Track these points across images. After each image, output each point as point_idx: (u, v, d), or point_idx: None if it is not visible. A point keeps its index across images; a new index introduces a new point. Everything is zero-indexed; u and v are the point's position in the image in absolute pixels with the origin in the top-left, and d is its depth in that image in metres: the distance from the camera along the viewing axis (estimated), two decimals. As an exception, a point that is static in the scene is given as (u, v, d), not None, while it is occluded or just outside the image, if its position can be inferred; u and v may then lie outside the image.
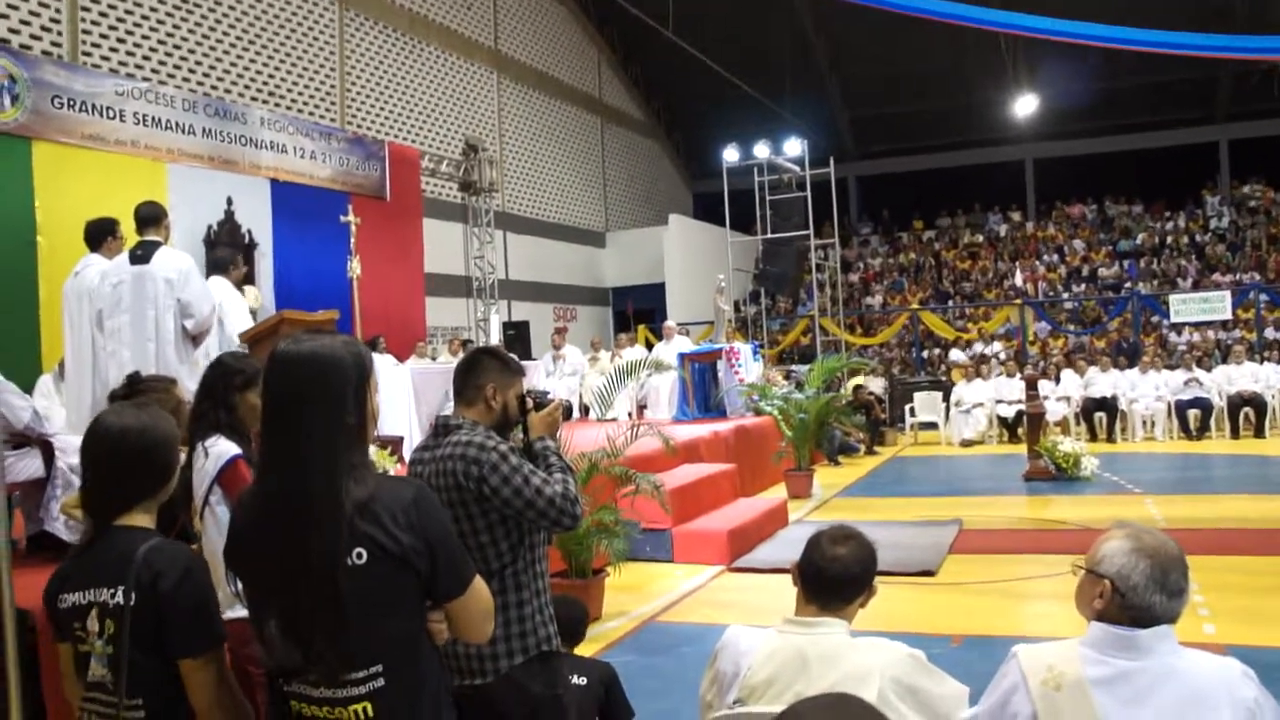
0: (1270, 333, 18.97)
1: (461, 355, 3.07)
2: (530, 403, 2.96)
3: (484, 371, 2.92)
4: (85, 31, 11.76)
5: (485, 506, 2.72)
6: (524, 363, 12.37)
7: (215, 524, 3.30)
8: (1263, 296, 19.24)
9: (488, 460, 2.71)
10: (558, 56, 22.68)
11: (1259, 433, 14.94)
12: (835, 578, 2.51)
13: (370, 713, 1.94)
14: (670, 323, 16.35)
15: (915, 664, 2.39)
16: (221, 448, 3.30)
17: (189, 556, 2.29)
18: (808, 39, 24.56)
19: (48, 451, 5.06)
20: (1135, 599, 2.09)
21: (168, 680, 2.19)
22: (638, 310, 22.17)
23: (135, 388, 3.78)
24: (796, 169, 20.30)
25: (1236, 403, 15.13)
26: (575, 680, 3.35)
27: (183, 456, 2.74)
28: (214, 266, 6.68)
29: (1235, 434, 15.02)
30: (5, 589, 3.28)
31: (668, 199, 27.42)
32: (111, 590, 2.17)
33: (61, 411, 6.54)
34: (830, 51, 25.31)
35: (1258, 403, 15.05)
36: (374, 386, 2.11)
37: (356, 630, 1.92)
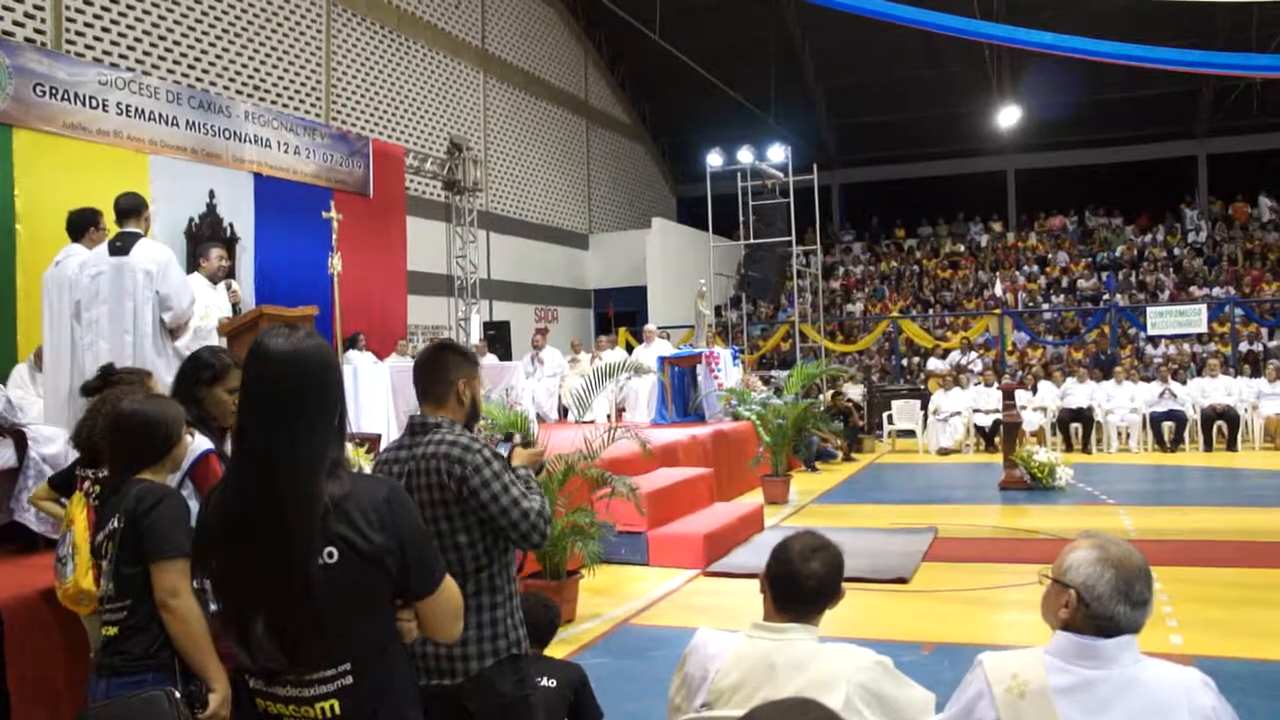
0: (1244, 347, 19.13)
1: (417, 357, 3.10)
2: (518, 437, 3.15)
3: (453, 368, 2.93)
4: (69, 20, 11.68)
5: (464, 507, 2.72)
6: (504, 363, 12.41)
7: (186, 517, 3.30)
8: (1238, 311, 19.41)
9: (472, 461, 2.73)
10: (545, 58, 22.67)
11: (1231, 446, 15.08)
12: (811, 592, 2.52)
13: (337, 710, 1.93)
14: (651, 326, 16.37)
15: (882, 670, 2.40)
16: (194, 442, 3.30)
17: (164, 491, 2.92)
18: (794, 46, 24.65)
19: (20, 442, 5.02)
20: (1099, 609, 2.11)
21: (146, 586, 2.76)
22: (619, 313, 22.17)
23: (108, 380, 3.77)
24: (780, 175, 20.34)
25: (1210, 416, 15.26)
26: (544, 683, 3.36)
27: (190, 438, 3.20)
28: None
29: (1208, 446, 15.15)
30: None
31: (651, 202, 27.44)
32: (114, 519, 2.85)
33: (37, 402, 6.51)
34: (816, 59, 25.39)
35: (1230, 416, 15.18)
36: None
37: (330, 629, 1.91)
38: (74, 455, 3.99)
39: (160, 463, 3.01)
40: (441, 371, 2.92)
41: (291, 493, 1.93)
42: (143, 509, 2.79)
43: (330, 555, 1.91)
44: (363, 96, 16.58)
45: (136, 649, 2.75)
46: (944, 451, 16.04)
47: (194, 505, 3.29)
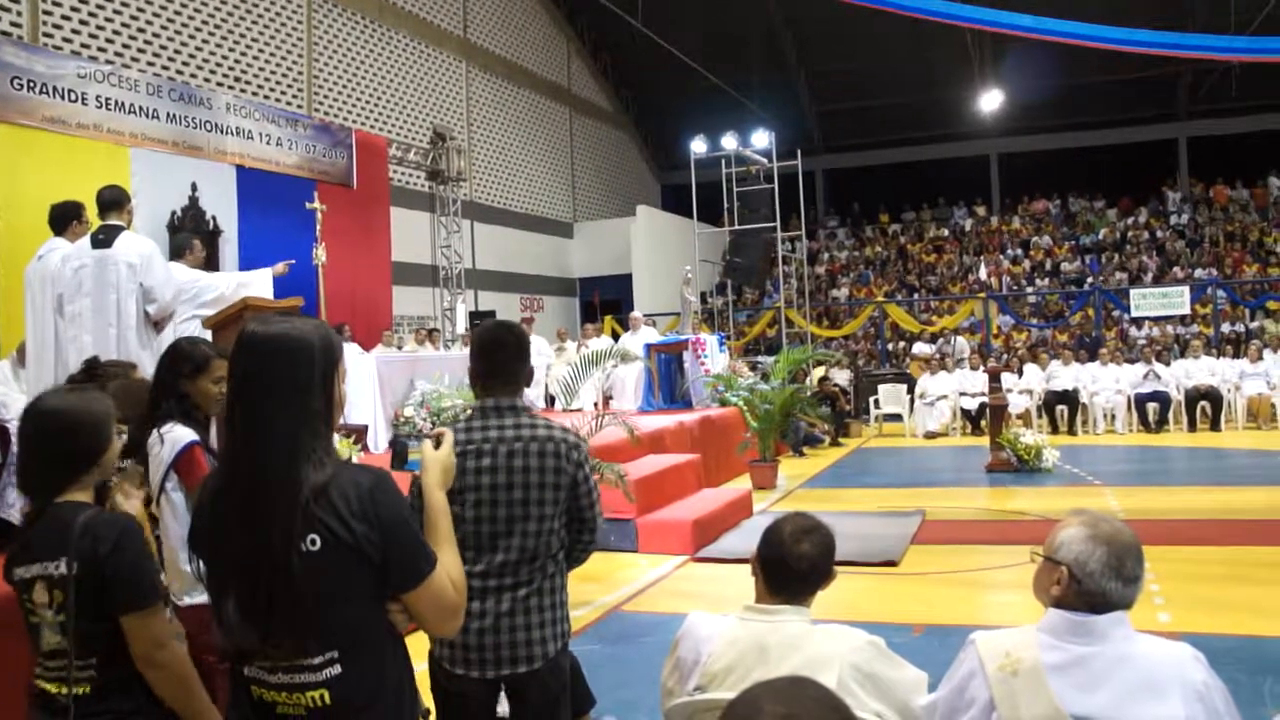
0: (1226, 327, 19.25)
1: (482, 337, 2.94)
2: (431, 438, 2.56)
3: (527, 350, 2.95)
4: (46, 12, 11.57)
5: (571, 493, 2.82)
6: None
7: (171, 510, 3.28)
8: (1220, 292, 19.52)
9: (585, 450, 2.85)
10: (527, 46, 22.59)
11: (1214, 426, 15.17)
12: (803, 573, 2.53)
13: (328, 699, 1.92)
14: (637, 313, 16.36)
15: (874, 651, 2.41)
16: (177, 434, 3.28)
17: (124, 522, 2.41)
18: (776, 32, 24.62)
19: (4, 438, 4.99)
20: (1091, 585, 2.12)
21: (115, 641, 2.32)
22: (604, 301, 22.16)
23: (93, 372, 3.74)
24: (764, 161, 20.33)
25: (1193, 396, 15.35)
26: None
27: (122, 437, 2.63)
28: (173, 253, 6.65)
29: (1192, 427, 15.24)
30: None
31: (635, 190, 27.41)
32: (55, 562, 2.30)
33: (21, 398, 6.46)
34: (798, 44, 25.38)
35: (1214, 396, 15.27)
36: (342, 374, 2.09)
37: (311, 616, 1.90)
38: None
39: (89, 473, 2.46)
40: (520, 356, 2.91)
41: (271, 477, 1.92)
42: (103, 551, 2.29)
43: (313, 543, 1.89)
44: (345, 87, 16.50)
45: (122, 709, 2.37)
46: (930, 435, 16.09)
47: (178, 498, 3.28)
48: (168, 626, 2.39)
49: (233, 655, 2.01)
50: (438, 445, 2.33)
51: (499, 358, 2.88)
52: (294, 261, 7.87)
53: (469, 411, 2.93)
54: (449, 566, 2.07)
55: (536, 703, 2.78)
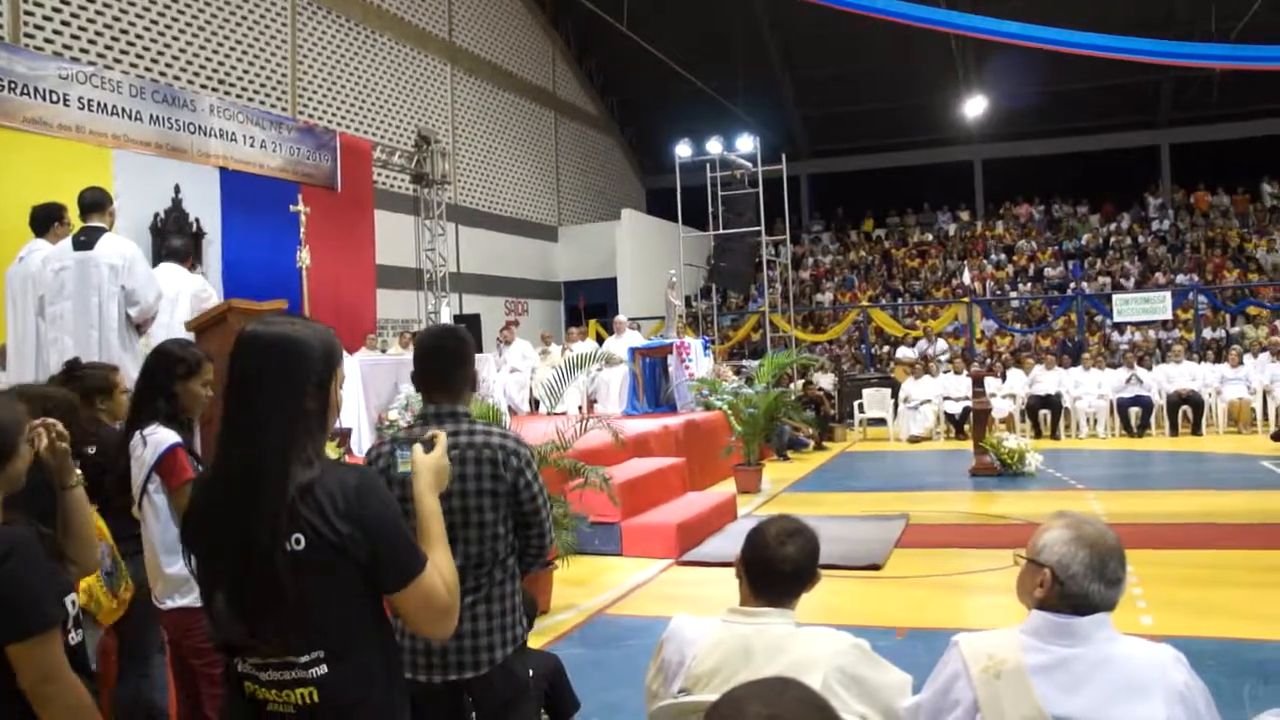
0: (1208, 333, 19.37)
1: (423, 343, 2.90)
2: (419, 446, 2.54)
3: (469, 356, 2.88)
4: (28, 13, 11.49)
5: (512, 499, 2.77)
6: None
7: (153, 512, 3.27)
8: (1201, 298, 19.64)
9: (525, 456, 2.79)
10: (512, 49, 22.57)
11: (1196, 430, 15.26)
12: (787, 576, 2.52)
13: (315, 698, 1.92)
14: (621, 317, 16.35)
15: (859, 653, 2.41)
16: (160, 436, 3.26)
17: (14, 539, 2.14)
18: (762, 36, 24.66)
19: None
20: (1074, 587, 2.13)
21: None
22: (589, 305, 22.14)
23: (74, 374, 3.72)
24: (749, 165, 20.36)
25: (1175, 401, 15.44)
26: (525, 672, 3.37)
27: (27, 452, 2.36)
28: (170, 255, 6.63)
29: (1174, 431, 15.33)
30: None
31: (621, 194, 27.40)
32: None
33: (0, 400, 6.40)
34: (783, 49, 25.43)
35: (1195, 401, 15.36)
36: (340, 378, 2.08)
37: (296, 614, 1.89)
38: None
39: None
40: (467, 363, 2.86)
41: (261, 474, 1.92)
42: None
43: (298, 542, 1.90)
44: (329, 90, 16.45)
45: None
46: (914, 439, 16.13)
47: (160, 501, 3.26)
48: (61, 655, 2.12)
49: (222, 648, 2.02)
50: (428, 449, 2.31)
51: (440, 364, 2.84)
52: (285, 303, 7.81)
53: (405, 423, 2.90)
54: (441, 567, 2.06)
55: (488, 707, 2.73)
